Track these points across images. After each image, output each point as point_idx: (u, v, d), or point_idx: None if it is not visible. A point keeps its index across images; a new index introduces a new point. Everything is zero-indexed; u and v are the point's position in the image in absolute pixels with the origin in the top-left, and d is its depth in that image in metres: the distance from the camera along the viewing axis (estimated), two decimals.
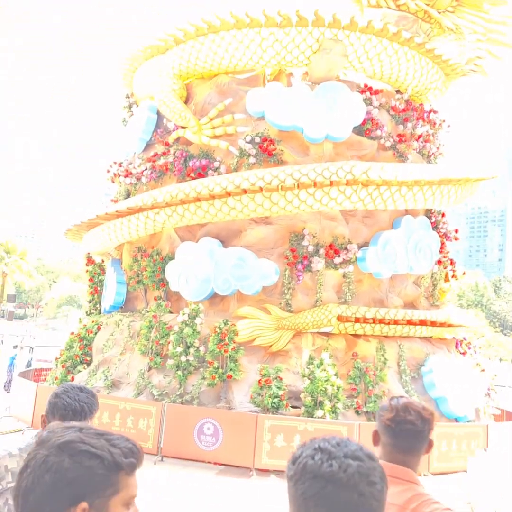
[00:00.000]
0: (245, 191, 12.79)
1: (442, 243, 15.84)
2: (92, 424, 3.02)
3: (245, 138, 13.88)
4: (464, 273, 18.74)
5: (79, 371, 14.65)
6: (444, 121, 17.22)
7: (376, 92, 15.05)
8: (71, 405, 2.89)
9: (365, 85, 15.08)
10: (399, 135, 15.01)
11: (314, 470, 1.28)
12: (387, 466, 2.17)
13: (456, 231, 17.05)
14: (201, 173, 14.08)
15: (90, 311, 17.83)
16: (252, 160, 13.74)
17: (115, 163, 16.98)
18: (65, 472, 1.27)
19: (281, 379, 12.03)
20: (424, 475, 11.47)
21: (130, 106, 18.07)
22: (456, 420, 13.26)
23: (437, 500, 2.14)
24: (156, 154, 15.12)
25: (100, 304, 17.26)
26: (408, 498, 2.11)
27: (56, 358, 16.41)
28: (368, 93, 14.80)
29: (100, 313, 16.95)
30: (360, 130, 14.50)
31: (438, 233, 15.57)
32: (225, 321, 12.80)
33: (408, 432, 2.26)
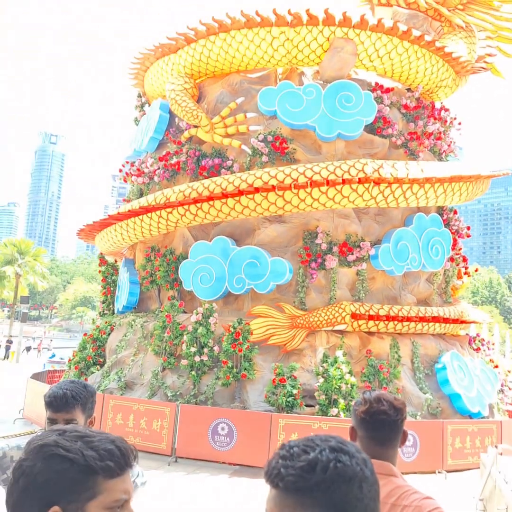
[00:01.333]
0: (258, 190, 12.84)
1: (454, 240, 15.80)
2: (90, 419, 3.01)
3: (257, 136, 13.92)
4: (476, 270, 18.66)
5: (92, 372, 14.75)
6: (455, 118, 17.17)
7: (387, 90, 15.02)
8: (54, 393, 2.92)
9: (376, 84, 15.07)
10: (410, 133, 14.98)
11: (347, 472, 1.20)
12: None
13: (468, 228, 17.02)
14: (213, 172, 14.15)
15: (103, 312, 17.94)
16: (264, 158, 13.78)
17: (127, 162, 17.10)
18: (36, 476, 1.26)
19: (295, 377, 12.05)
20: (438, 472, 11.47)
21: (142, 106, 18.19)
22: (470, 416, 13.22)
23: (416, 490, 2.15)
24: (168, 153, 15.20)
25: (113, 305, 17.37)
26: (387, 492, 2.11)
27: (69, 360, 16.53)
28: (379, 92, 14.78)
29: (113, 313, 17.05)
30: (371, 129, 14.50)
31: (450, 230, 15.53)
32: (239, 320, 12.85)
33: (382, 423, 2.29)
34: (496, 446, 6.03)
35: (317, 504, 1.18)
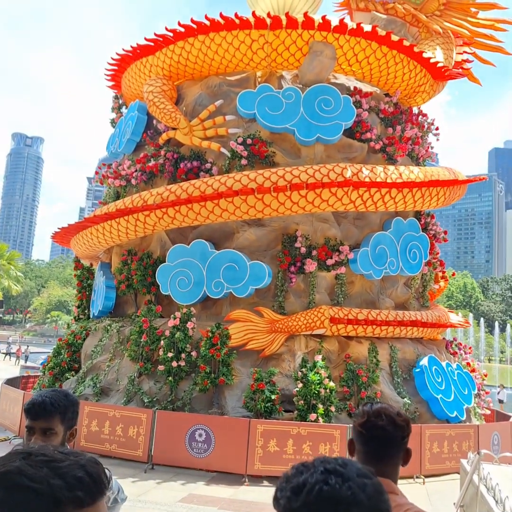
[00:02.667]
0: (237, 193, 12.72)
1: (432, 245, 15.88)
2: (71, 430, 2.85)
3: (236, 139, 13.83)
4: (453, 274, 18.82)
5: (67, 378, 14.42)
6: (432, 123, 17.32)
7: (366, 95, 15.06)
8: (33, 400, 2.79)
9: (355, 88, 15.10)
10: (388, 138, 15.03)
11: (334, 496, 1.12)
12: None
13: (445, 232, 17.15)
14: (192, 175, 14.00)
15: (78, 316, 17.60)
16: (244, 161, 13.69)
17: (104, 164, 16.85)
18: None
19: (274, 383, 11.93)
20: (416, 477, 11.46)
21: (119, 107, 17.96)
22: (448, 421, 13.26)
23: (418, 508, 2.06)
24: (146, 155, 15.01)
25: (88, 310, 17.05)
26: None
27: (44, 365, 16.18)
28: (357, 96, 14.81)
29: (88, 318, 16.74)
30: (350, 133, 14.51)
31: (427, 235, 15.61)
32: (217, 324, 12.69)
33: (379, 439, 2.17)
34: (478, 453, 6.00)
35: None
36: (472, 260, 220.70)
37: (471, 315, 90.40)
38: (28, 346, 46.43)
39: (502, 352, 79.38)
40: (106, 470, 1.22)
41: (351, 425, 10.71)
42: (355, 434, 2.24)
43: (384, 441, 2.16)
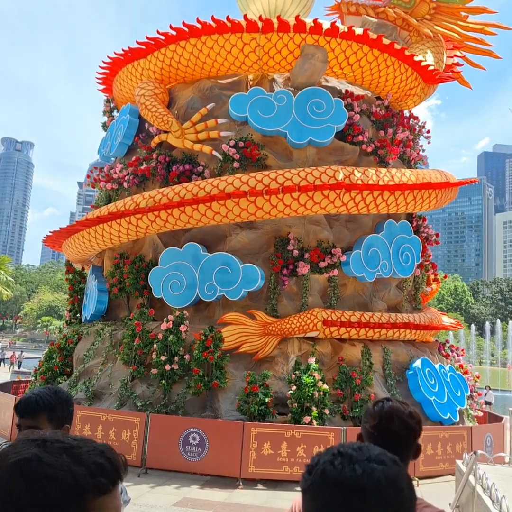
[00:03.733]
0: (229, 196, 12.71)
1: (424, 247, 15.94)
2: (62, 428, 2.78)
3: (228, 142, 13.82)
4: (445, 277, 18.90)
5: (59, 383, 14.30)
6: (423, 126, 17.41)
7: (357, 98, 15.12)
8: (23, 397, 2.77)
9: (347, 91, 15.16)
10: (380, 141, 15.09)
11: (335, 477, 1.12)
12: None
13: (437, 235, 17.23)
14: (184, 178, 13.97)
15: (70, 320, 17.48)
16: (236, 164, 13.69)
17: (95, 168, 16.80)
18: (18, 497, 1.07)
19: (267, 385, 11.90)
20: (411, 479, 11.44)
21: (110, 111, 17.91)
22: (441, 423, 13.28)
23: (429, 503, 2.05)
24: (138, 159, 14.97)
25: (80, 314, 16.96)
26: None
27: (35, 370, 16.06)
28: (349, 99, 14.87)
29: (80, 322, 16.64)
30: (342, 136, 14.55)
31: (419, 237, 15.67)
32: (210, 327, 12.65)
33: (391, 442, 2.13)
34: (475, 452, 6.00)
35: (306, 508, 1.18)
36: (463, 264, 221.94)
37: (462, 318, 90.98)
38: (22, 351, 46.04)
39: (492, 355, 79.74)
40: (122, 456, 1.20)
41: (345, 427, 10.68)
42: (364, 432, 2.22)
43: (396, 444, 2.12)
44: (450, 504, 6.81)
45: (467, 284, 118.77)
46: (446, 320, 17.50)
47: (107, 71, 16.95)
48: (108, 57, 16.25)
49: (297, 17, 13.74)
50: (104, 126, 17.96)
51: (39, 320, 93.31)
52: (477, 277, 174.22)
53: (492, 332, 79.20)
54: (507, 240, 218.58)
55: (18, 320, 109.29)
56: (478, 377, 16.83)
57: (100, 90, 18.18)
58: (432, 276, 17.39)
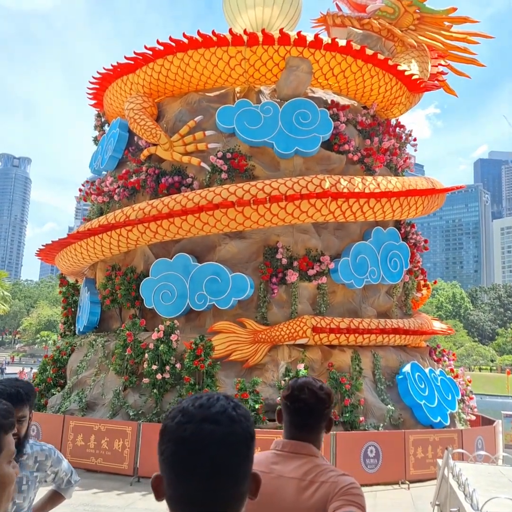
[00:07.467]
0: (217, 206, 12.91)
1: (413, 253, 16.12)
2: (30, 414, 3.06)
3: (216, 154, 14.05)
4: (435, 282, 19.07)
5: (53, 394, 14.43)
6: (410, 135, 17.66)
7: (343, 108, 15.37)
8: (6, 390, 2.94)
9: (332, 101, 15.41)
10: (366, 149, 15.32)
11: (170, 433, 1.28)
12: (288, 443, 2.32)
13: (426, 241, 17.41)
14: (173, 190, 14.18)
15: (64, 333, 17.63)
16: (224, 175, 13.91)
17: (87, 182, 17.02)
18: None
19: (258, 392, 12.04)
20: (402, 482, 11.56)
21: (102, 125, 18.17)
22: (432, 426, 13.39)
23: (334, 468, 2.24)
24: (128, 172, 15.19)
25: (74, 326, 17.09)
26: (306, 470, 2.19)
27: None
28: (335, 109, 15.11)
29: (75, 334, 16.78)
30: (328, 145, 14.79)
31: (408, 243, 15.85)
32: (201, 336, 12.80)
33: (301, 410, 2.34)
34: (446, 448, 6.13)
35: (157, 453, 1.35)
36: (461, 271, 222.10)
37: (461, 324, 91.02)
38: (32, 368, 45.93)
39: (492, 361, 79.68)
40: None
41: (334, 432, 10.78)
42: (282, 405, 2.43)
43: (306, 413, 2.34)
44: (431, 503, 6.94)
45: (466, 291, 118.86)
46: (437, 325, 17.66)
47: (97, 86, 17.22)
48: (98, 72, 16.52)
49: (281, 30, 14.03)
50: (95, 140, 18.22)
51: (38, 335, 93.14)
52: (476, 283, 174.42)
53: (491, 338, 79.27)
54: (505, 246, 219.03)
55: (17, 336, 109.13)
56: (470, 381, 16.95)
57: (91, 105, 18.45)
58: (422, 282, 17.56)
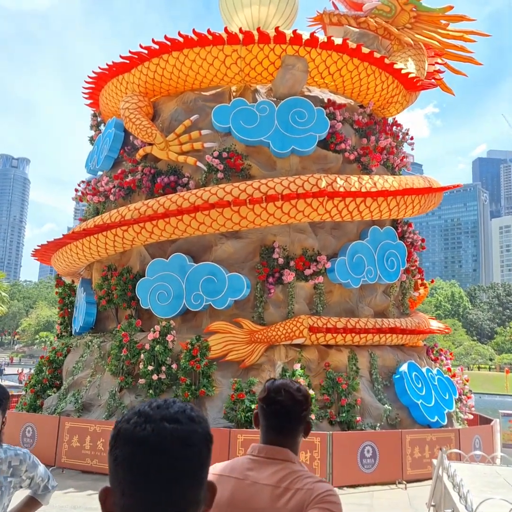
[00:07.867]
0: (213, 206, 12.86)
1: (409, 252, 16.07)
2: (3, 418, 3.03)
3: (212, 153, 13.99)
4: (432, 281, 19.02)
5: (49, 395, 14.36)
6: (407, 133, 17.61)
7: (340, 106, 15.32)
8: None
9: (329, 100, 15.36)
10: (363, 148, 15.27)
11: (127, 436, 1.23)
12: (264, 448, 2.22)
13: (423, 240, 17.36)
14: (169, 189, 14.12)
15: (61, 333, 17.55)
16: (220, 175, 13.84)
17: (83, 182, 16.95)
18: None
19: (254, 392, 11.98)
20: (398, 482, 11.51)
21: (97, 125, 18.11)
22: (429, 426, 13.34)
23: (311, 474, 2.16)
24: (123, 171, 15.13)
25: (71, 326, 17.01)
26: (281, 476, 2.11)
27: (25, 383, 16.10)
28: (331, 108, 15.05)
29: (71, 335, 16.70)
30: (325, 144, 14.73)
31: (405, 243, 15.79)
32: (197, 336, 12.75)
33: (278, 413, 2.26)
34: (440, 448, 6.08)
35: (108, 461, 1.29)
36: (460, 270, 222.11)
37: (460, 323, 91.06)
38: (31, 369, 45.78)
39: (491, 360, 79.73)
40: None
41: (331, 432, 10.74)
42: (258, 408, 2.35)
43: (283, 415, 2.25)
44: (426, 503, 6.89)
45: (464, 290, 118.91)
46: (434, 324, 17.61)
47: (93, 85, 17.15)
48: (93, 72, 16.46)
49: (276, 29, 13.97)
50: (91, 140, 18.16)
51: (37, 336, 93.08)
52: (475, 282, 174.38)
53: (490, 337, 79.32)
54: (504, 245, 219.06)
55: (16, 336, 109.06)
56: (467, 381, 16.90)
57: (87, 104, 18.39)
58: (419, 281, 17.51)
